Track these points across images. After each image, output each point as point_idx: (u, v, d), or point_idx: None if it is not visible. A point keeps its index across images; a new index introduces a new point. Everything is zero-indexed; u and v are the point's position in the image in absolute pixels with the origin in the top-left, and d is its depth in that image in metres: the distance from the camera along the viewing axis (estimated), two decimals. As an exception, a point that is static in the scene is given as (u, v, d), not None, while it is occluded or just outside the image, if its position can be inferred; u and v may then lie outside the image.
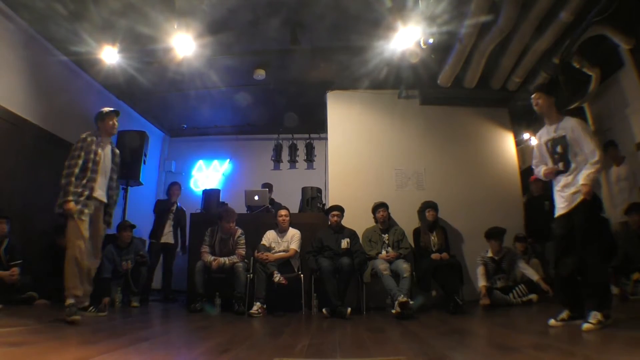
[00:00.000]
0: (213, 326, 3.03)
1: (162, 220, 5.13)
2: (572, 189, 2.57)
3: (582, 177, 2.50)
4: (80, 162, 2.97)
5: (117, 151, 3.35)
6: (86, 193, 2.95)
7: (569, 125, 2.66)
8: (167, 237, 5.11)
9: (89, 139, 3.04)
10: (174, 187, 5.37)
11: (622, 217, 4.15)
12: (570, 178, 2.61)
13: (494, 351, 1.97)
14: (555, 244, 2.78)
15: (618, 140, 4.46)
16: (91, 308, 3.03)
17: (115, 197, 3.27)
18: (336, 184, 5.12)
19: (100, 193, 3.07)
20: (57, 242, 3.91)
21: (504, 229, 4.30)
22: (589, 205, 2.49)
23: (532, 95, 2.85)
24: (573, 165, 2.61)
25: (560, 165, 2.67)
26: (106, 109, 3.24)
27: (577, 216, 2.53)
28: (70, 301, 2.75)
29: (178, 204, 5.37)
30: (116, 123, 3.23)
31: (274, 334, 2.68)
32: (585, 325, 2.26)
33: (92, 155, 3.01)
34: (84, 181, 2.97)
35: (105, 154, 3.15)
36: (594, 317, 2.29)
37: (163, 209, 5.20)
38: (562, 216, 2.64)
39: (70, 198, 2.86)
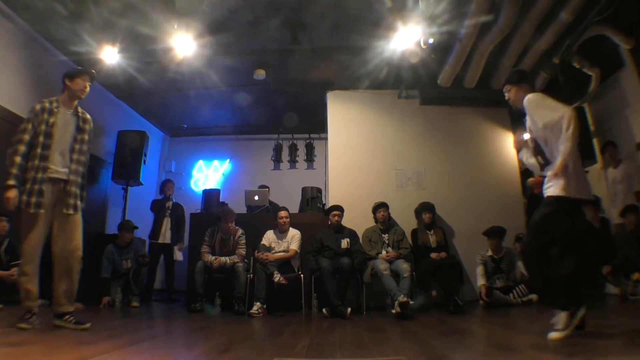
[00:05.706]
0: (213, 326, 3.03)
1: (160, 219, 5.12)
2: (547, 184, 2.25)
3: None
4: (27, 137, 2.46)
5: (88, 116, 2.76)
6: (39, 175, 2.45)
7: (525, 106, 2.28)
8: (165, 236, 5.09)
9: (37, 107, 2.55)
10: (169, 184, 5.37)
11: (618, 219, 4.16)
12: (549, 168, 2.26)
13: (494, 351, 1.97)
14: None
15: (618, 140, 4.46)
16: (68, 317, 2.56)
17: (82, 170, 2.66)
18: (336, 184, 5.12)
19: (57, 170, 2.54)
20: None
21: (504, 229, 4.30)
22: (551, 201, 2.16)
23: (504, 89, 2.47)
24: (548, 156, 2.27)
25: (539, 159, 2.33)
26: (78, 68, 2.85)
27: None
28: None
29: (174, 200, 5.36)
30: (88, 86, 2.71)
31: (274, 334, 2.68)
32: (551, 334, 2.03)
33: (43, 127, 2.50)
34: (36, 161, 2.47)
35: (67, 122, 2.62)
36: (560, 320, 2.07)
37: (159, 206, 5.20)
38: None
39: (12, 182, 2.38)
